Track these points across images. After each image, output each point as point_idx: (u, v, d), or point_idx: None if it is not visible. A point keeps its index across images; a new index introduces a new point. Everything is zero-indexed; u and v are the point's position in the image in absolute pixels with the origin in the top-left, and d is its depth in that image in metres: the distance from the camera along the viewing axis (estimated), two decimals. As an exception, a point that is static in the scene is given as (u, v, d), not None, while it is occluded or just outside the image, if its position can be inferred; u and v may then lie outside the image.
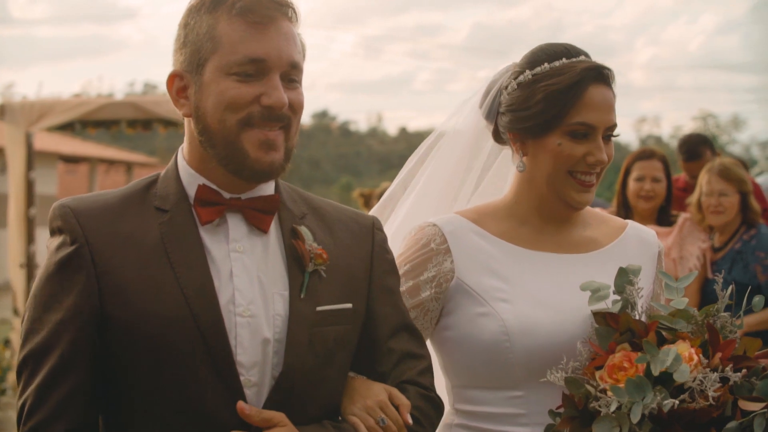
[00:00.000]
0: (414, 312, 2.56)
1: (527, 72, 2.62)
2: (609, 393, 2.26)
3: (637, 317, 2.43)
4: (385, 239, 2.46)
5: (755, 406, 2.22)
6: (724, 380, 2.26)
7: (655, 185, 6.08)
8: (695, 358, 2.28)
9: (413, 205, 2.91)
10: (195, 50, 2.20)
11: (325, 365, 2.24)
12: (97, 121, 11.23)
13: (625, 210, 6.08)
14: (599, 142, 2.56)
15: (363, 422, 2.22)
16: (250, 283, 2.19)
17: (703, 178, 6.11)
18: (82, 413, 2.12)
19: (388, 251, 2.45)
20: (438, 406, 2.40)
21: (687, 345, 2.31)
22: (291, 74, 2.22)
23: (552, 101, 2.54)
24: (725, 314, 2.41)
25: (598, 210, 2.95)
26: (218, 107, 2.17)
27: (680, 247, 6.05)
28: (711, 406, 2.22)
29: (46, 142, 21.92)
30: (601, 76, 2.57)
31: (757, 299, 2.39)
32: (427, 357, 2.43)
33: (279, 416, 2.14)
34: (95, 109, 10.70)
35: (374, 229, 2.43)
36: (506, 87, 2.66)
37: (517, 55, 2.72)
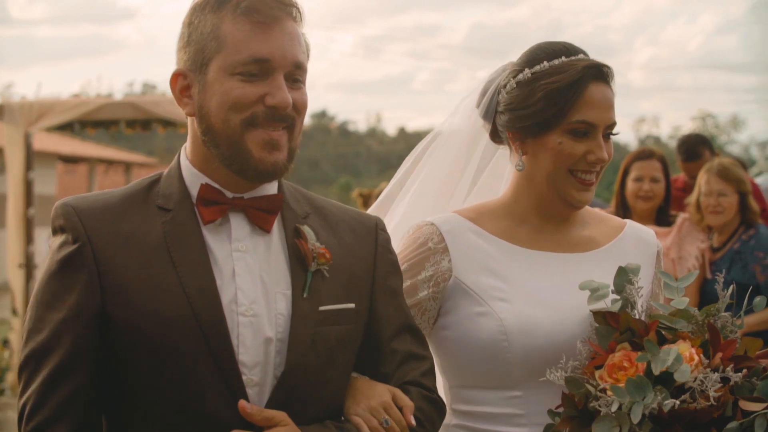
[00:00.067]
0: (411, 311, 2.56)
1: (526, 70, 2.61)
2: (609, 392, 2.26)
3: (636, 316, 2.43)
4: (388, 239, 2.46)
5: (756, 407, 2.21)
6: (724, 380, 2.26)
7: (654, 185, 6.08)
8: (696, 357, 2.28)
9: (410, 205, 2.91)
10: (199, 49, 2.20)
11: (328, 365, 2.23)
12: (96, 122, 11.23)
13: (624, 210, 6.08)
14: (599, 141, 2.56)
15: (366, 423, 2.21)
16: (252, 283, 2.19)
17: (701, 178, 6.11)
18: (84, 413, 2.12)
19: (391, 251, 2.45)
20: (440, 408, 2.40)
21: (687, 345, 2.31)
22: (295, 74, 2.22)
23: (552, 99, 2.54)
24: (726, 314, 2.41)
25: (597, 210, 2.95)
26: (222, 107, 2.17)
27: (679, 247, 6.05)
28: (712, 407, 2.22)
29: (45, 142, 21.91)
30: (601, 74, 2.57)
31: (759, 299, 2.39)
32: (430, 358, 2.43)
33: (280, 415, 2.14)
34: (94, 109, 10.71)
35: (377, 230, 2.43)
36: (504, 86, 2.66)
37: (516, 55, 2.71)
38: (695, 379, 2.24)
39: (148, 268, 2.14)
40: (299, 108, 2.23)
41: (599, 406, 2.26)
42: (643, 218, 5.96)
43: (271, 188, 2.30)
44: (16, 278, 10.61)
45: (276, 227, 2.27)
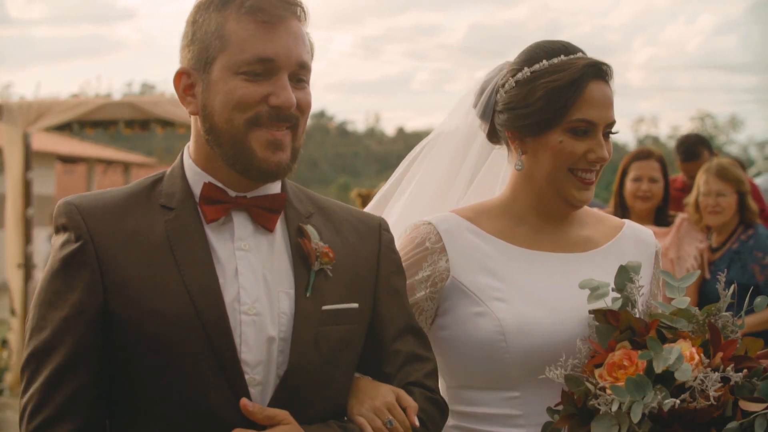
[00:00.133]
0: None
1: (525, 69, 2.60)
2: (608, 391, 2.26)
3: (636, 316, 2.43)
4: (391, 240, 2.45)
5: (756, 407, 2.21)
6: (725, 380, 2.26)
7: (653, 185, 6.08)
8: (696, 357, 2.28)
9: (407, 205, 2.90)
10: (203, 48, 2.19)
11: (331, 365, 2.23)
12: (95, 122, 11.23)
13: (623, 210, 6.08)
14: (600, 139, 2.56)
15: (370, 423, 2.21)
16: (255, 282, 2.19)
17: (700, 178, 6.11)
18: (86, 413, 2.11)
19: (394, 252, 2.45)
20: (443, 409, 2.40)
21: (688, 344, 2.31)
22: (299, 74, 2.21)
23: (553, 98, 2.53)
24: (727, 314, 2.41)
25: (595, 210, 2.95)
26: (226, 106, 2.17)
27: (678, 247, 6.05)
28: (711, 406, 2.22)
29: (44, 142, 21.89)
30: (601, 72, 2.57)
31: (760, 299, 2.39)
32: (433, 359, 2.43)
33: (283, 414, 2.14)
34: (93, 109, 10.71)
35: (381, 230, 2.43)
36: (503, 85, 2.65)
37: (515, 55, 2.70)
38: (695, 378, 2.24)
39: (151, 266, 2.13)
40: (303, 108, 2.22)
41: (598, 404, 2.26)
42: (642, 218, 5.96)
43: (275, 187, 2.29)
44: (14, 278, 10.61)
45: (279, 226, 2.27)
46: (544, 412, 2.42)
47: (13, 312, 10.63)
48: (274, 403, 2.16)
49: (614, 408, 2.22)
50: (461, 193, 2.91)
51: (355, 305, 2.28)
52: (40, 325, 2.13)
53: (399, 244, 2.64)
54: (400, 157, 3.04)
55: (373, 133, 76.92)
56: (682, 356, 2.25)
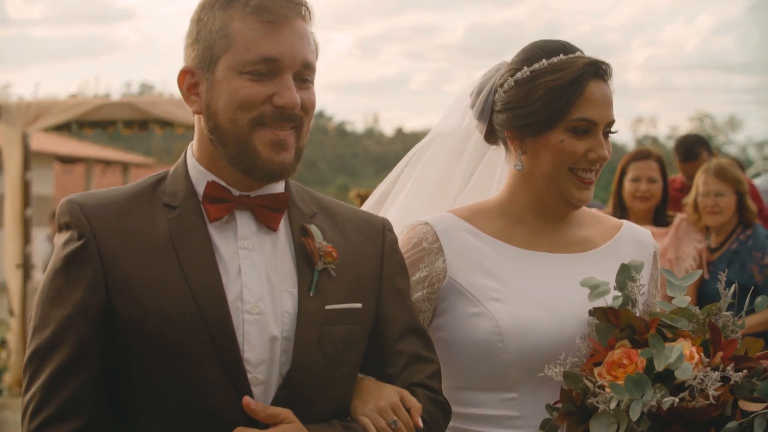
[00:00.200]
0: None
1: (525, 69, 2.60)
2: (607, 389, 2.26)
3: (637, 314, 2.43)
4: (395, 240, 2.45)
5: (756, 407, 2.22)
6: (724, 380, 2.27)
7: (651, 186, 6.08)
8: (696, 356, 2.28)
9: (404, 206, 2.89)
10: (207, 47, 2.19)
11: (334, 364, 2.23)
12: (94, 122, 11.23)
13: (621, 211, 6.08)
14: (600, 138, 2.56)
15: (374, 423, 2.21)
16: (258, 280, 2.18)
17: (699, 179, 6.11)
18: (89, 411, 2.11)
19: (398, 252, 2.45)
20: (446, 410, 2.40)
21: (688, 343, 2.31)
22: (304, 74, 2.21)
23: (553, 97, 2.53)
24: (727, 313, 2.41)
25: (594, 210, 2.95)
26: (230, 106, 2.17)
27: (676, 247, 6.05)
28: (711, 406, 2.22)
29: (43, 142, 21.87)
30: (600, 71, 2.57)
31: (760, 299, 2.39)
32: (436, 361, 2.42)
33: (285, 412, 2.14)
34: (92, 109, 10.71)
35: (384, 230, 2.43)
36: (501, 85, 2.64)
37: (513, 56, 2.70)
38: (695, 377, 2.24)
39: (154, 264, 2.13)
40: (307, 108, 2.22)
41: (597, 402, 2.26)
42: (641, 218, 5.97)
43: (278, 187, 2.29)
44: (13, 279, 10.61)
45: (283, 226, 2.27)
46: (542, 414, 2.42)
47: (11, 312, 10.63)
48: (276, 402, 2.16)
49: (612, 406, 2.22)
50: (457, 194, 2.91)
51: (359, 305, 2.28)
52: (42, 323, 2.13)
53: (396, 244, 2.64)
54: (398, 158, 3.04)
55: (371, 134, 76.95)
56: (683, 355, 2.25)
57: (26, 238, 10.46)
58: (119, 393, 2.15)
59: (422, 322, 2.57)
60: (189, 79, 2.23)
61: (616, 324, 2.40)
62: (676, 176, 7.54)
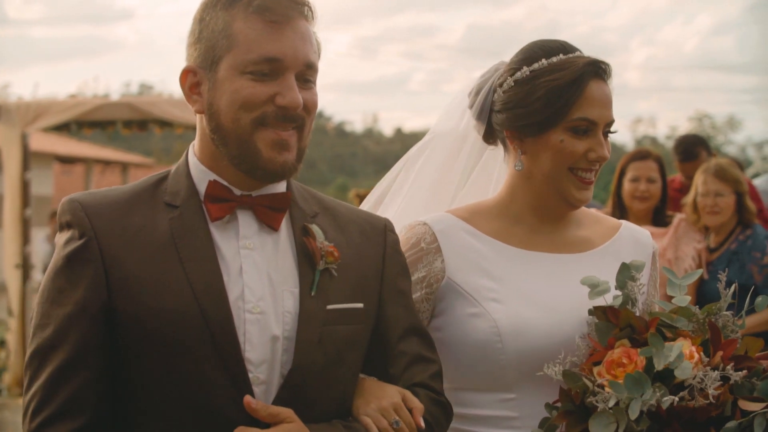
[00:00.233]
0: None
1: (524, 69, 2.59)
2: (607, 388, 2.26)
3: (637, 313, 2.43)
4: (397, 241, 2.45)
5: (756, 406, 2.22)
6: (724, 379, 2.26)
7: (651, 186, 6.08)
8: (696, 355, 2.28)
9: (402, 206, 2.89)
10: (210, 47, 2.19)
11: (335, 364, 2.22)
12: (93, 122, 11.24)
13: (620, 211, 6.09)
14: (600, 138, 2.56)
15: (376, 423, 2.20)
16: (259, 280, 2.18)
17: (698, 179, 6.12)
18: (90, 410, 2.10)
19: (400, 253, 2.45)
20: (448, 411, 2.40)
21: (688, 343, 2.31)
22: (306, 74, 2.21)
23: (554, 97, 2.53)
24: (727, 313, 2.41)
25: (593, 210, 2.95)
26: (232, 106, 2.17)
27: (675, 247, 6.06)
28: (710, 405, 2.22)
29: (42, 142, 21.86)
30: (600, 71, 2.57)
31: (761, 299, 2.40)
32: (438, 361, 2.42)
33: (286, 412, 2.13)
34: (91, 109, 10.72)
35: (387, 231, 2.43)
36: (501, 84, 2.64)
37: (512, 56, 2.70)
38: (695, 376, 2.24)
39: (155, 264, 2.13)
40: (309, 108, 2.22)
41: (596, 401, 2.26)
42: (640, 219, 5.97)
43: (280, 186, 2.29)
44: (12, 279, 10.61)
45: (284, 225, 2.27)
46: (540, 414, 2.41)
47: (10, 312, 10.63)
48: (277, 402, 2.15)
49: (611, 403, 2.22)
50: (455, 194, 2.91)
51: (360, 305, 2.28)
52: (43, 322, 2.13)
53: (395, 245, 2.64)
54: (397, 158, 3.04)
55: (371, 134, 76.95)
56: (683, 354, 2.25)
57: (25, 239, 10.46)
58: (120, 392, 2.15)
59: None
60: (191, 79, 2.23)
61: (615, 323, 2.40)
62: (676, 176, 7.55)
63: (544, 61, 2.58)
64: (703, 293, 5.75)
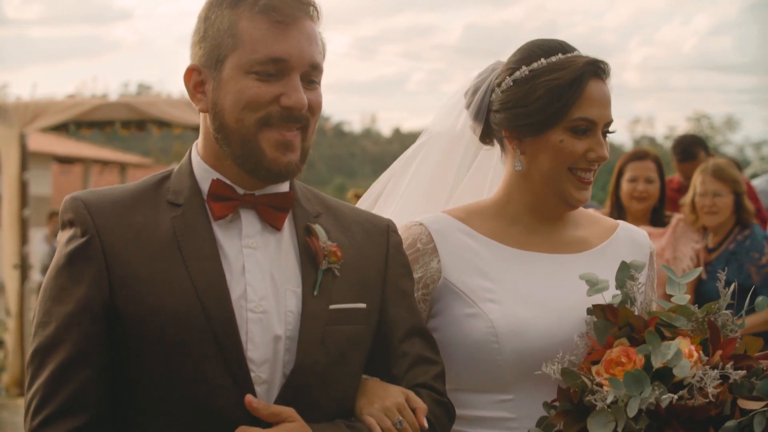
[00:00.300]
0: None
1: (524, 68, 2.58)
2: (605, 387, 2.26)
3: (636, 313, 2.43)
4: (400, 242, 2.45)
5: (755, 405, 2.21)
6: (724, 378, 2.27)
7: (649, 186, 6.08)
8: (695, 354, 2.28)
9: (398, 207, 2.88)
10: (215, 46, 2.18)
11: (338, 364, 2.22)
12: (92, 122, 11.24)
13: (619, 211, 6.08)
14: (599, 138, 2.56)
15: (380, 423, 2.19)
16: (262, 279, 2.18)
17: (697, 179, 6.12)
18: (91, 408, 2.10)
19: (402, 253, 2.44)
20: (450, 412, 2.39)
21: (687, 342, 2.31)
22: (311, 75, 2.21)
23: (553, 97, 2.52)
24: (726, 312, 2.41)
25: (590, 210, 2.95)
26: (237, 106, 2.16)
27: (674, 247, 6.06)
28: (710, 404, 2.22)
29: (40, 142, 21.83)
30: (599, 70, 2.56)
31: (761, 299, 2.40)
32: (440, 362, 2.42)
33: (288, 411, 2.13)
34: (89, 109, 10.72)
35: (389, 231, 2.43)
36: (499, 84, 2.63)
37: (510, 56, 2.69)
38: (694, 375, 2.24)
39: (157, 262, 2.13)
40: (314, 109, 2.22)
41: (595, 400, 2.26)
42: (638, 219, 5.97)
43: (283, 186, 2.29)
44: (10, 279, 10.60)
45: (287, 225, 2.27)
46: (538, 415, 2.41)
47: (8, 313, 10.62)
48: (279, 401, 2.15)
49: (609, 400, 2.21)
50: (451, 194, 2.90)
51: (363, 305, 2.28)
52: (45, 320, 2.12)
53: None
54: (396, 158, 3.03)
55: (369, 134, 76.94)
56: (681, 352, 2.25)
57: (23, 239, 10.45)
58: (121, 391, 2.14)
59: None
60: (195, 77, 2.23)
61: (614, 322, 2.40)
62: (674, 176, 7.55)
63: (543, 60, 2.57)
64: (702, 293, 5.75)
